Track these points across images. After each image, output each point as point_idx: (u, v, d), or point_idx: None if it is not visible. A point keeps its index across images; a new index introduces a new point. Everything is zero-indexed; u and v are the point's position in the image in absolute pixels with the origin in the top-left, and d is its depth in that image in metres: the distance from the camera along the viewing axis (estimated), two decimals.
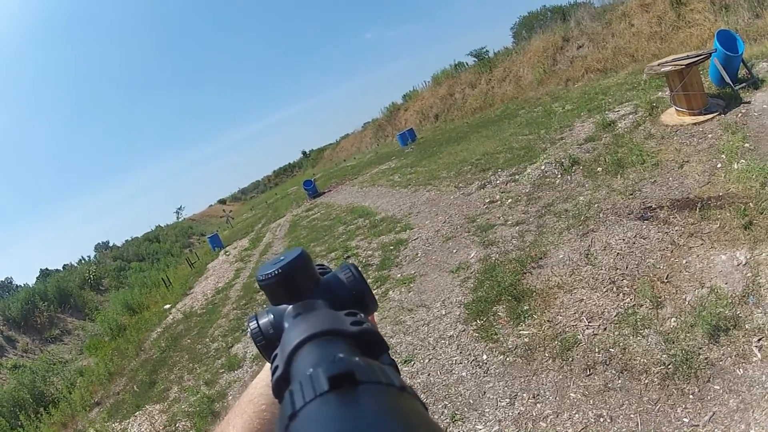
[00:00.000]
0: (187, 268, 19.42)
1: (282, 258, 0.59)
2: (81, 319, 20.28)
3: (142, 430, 6.51)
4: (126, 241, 41.12)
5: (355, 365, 0.34)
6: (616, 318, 4.00)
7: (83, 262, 32.41)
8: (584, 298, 4.41)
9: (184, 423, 6.05)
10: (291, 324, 0.53)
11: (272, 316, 0.58)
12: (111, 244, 41.61)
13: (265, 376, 0.66)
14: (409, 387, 0.34)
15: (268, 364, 0.66)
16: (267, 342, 0.57)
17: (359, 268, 0.63)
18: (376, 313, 0.68)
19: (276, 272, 0.57)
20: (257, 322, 0.58)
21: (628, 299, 4.14)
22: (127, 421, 6.95)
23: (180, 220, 56.23)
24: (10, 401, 9.92)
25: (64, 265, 33.28)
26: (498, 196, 7.93)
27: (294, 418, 0.31)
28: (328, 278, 0.62)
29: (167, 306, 13.69)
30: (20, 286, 27.13)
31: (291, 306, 0.56)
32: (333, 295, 0.59)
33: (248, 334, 0.61)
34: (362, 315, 0.50)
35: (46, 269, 32.37)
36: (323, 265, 0.68)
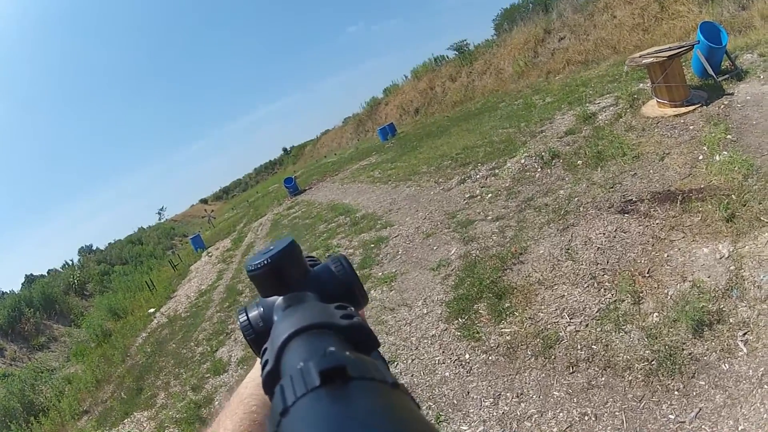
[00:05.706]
0: (170, 270, 19.23)
1: (271, 248, 0.57)
2: (67, 326, 20.07)
3: None
4: (109, 244, 40.90)
5: (347, 360, 0.33)
6: (598, 314, 3.95)
7: (67, 266, 32.14)
8: (565, 294, 4.36)
9: (172, 429, 6.03)
10: (280, 317, 0.52)
11: (262, 308, 0.57)
12: (94, 248, 41.26)
13: (255, 375, 0.64)
14: (402, 384, 0.33)
15: (258, 362, 0.64)
16: (257, 335, 0.56)
17: (350, 260, 0.62)
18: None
19: (265, 262, 0.55)
20: (246, 315, 0.57)
21: (610, 294, 4.10)
22: (116, 429, 6.92)
23: (162, 221, 55.95)
24: (0, 410, 9.86)
25: (49, 270, 33.06)
26: (478, 191, 7.88)
27: (285, 414, 0.30)
28: (318, 270, 0.60)
29: (151, 310, 13.60)
30: (6, 292, 26.72)
31: (281, 298, 0.55)
32: (323, 287, 0.57)
33: (239, 327, 0.59)
34: (352, 309, 0.48)
35: (31, 275, 32.11)
36: (312, 256, 0.67)
